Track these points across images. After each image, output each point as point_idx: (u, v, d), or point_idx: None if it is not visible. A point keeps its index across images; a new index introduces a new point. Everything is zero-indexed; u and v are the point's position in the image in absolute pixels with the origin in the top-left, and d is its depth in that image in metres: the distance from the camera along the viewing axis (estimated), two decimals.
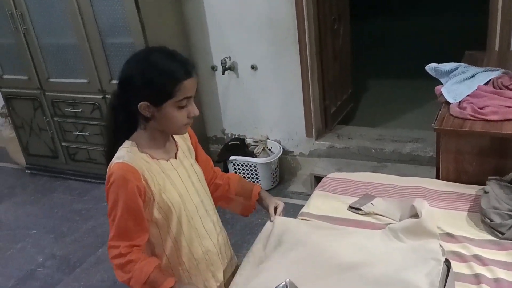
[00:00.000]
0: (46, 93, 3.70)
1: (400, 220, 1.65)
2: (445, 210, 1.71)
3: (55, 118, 3.77)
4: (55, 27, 3.42)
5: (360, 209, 1.74)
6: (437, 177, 1.96)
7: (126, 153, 1.37)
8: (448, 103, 2.01)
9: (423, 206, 1.59)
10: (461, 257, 1.49)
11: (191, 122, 1.41)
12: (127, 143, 1.40)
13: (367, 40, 5.92)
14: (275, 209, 1.68)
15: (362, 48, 5.11)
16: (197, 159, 1.59)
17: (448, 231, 1.60)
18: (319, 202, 1.82)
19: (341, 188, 1.91)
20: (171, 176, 1.42)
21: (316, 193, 1.90)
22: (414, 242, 1.48)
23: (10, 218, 3.54)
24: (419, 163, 3.26)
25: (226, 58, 3.44)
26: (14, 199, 3.80)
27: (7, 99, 3.91)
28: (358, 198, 1.81)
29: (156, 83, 1.31)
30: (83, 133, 3.69)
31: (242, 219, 2.98)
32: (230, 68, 3.47)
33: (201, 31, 3.45)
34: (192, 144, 1.59)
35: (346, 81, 3.91)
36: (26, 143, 4.04)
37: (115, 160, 1.36)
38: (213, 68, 3.52)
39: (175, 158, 1.47)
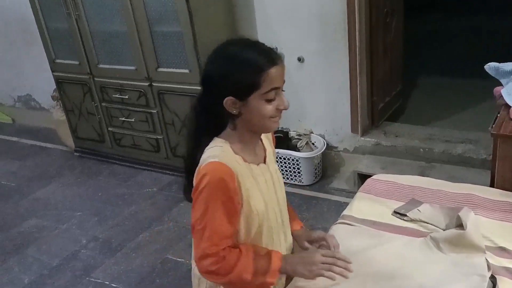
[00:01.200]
0: (95, 79, 3.77)
1: (446, 229, 1.57)
2: (499, 221, 1.61)
3: (103, 104, 3.84)
4: (105, 14, 3.46)
5: (406, 215, 1.66)
6: (492, 185, 1.84)
7: (221, 152, 1.26)
8: (508, 106, 1.89)
9: (469, 217, 1.49)
10: None
11: (281, 116, 1.30)
12: (218, 141, 1.30)
13: (420, 36, 5.69)
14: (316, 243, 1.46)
15: (415, 44, 4.91)
16: None
17: (501, 245, 1.50)
18: (362, 205, 1.75)
19: (387, 191, 1.83)
20: (259, 182, 1.34)
21: (359, 195, 1.83)
22: (457, 255, 1.40)
23: (57, 198, 3.66)
24: (470, 166, 3.11)
25: None
26: (62, 180, 3.92)
27: (59, 83, 4.01)
28: (404, 203, 1.73)
29: (238, 74, 1.22)
30: (129, 119, 3.75)
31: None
32: None
33: (249, 23, 3.41)
34: None
35: (396, 77, 3.77)
36: (75, 126, 4.14)
37: (208, 159, 1.25)
38: None
39: (264, 162, 1.38)
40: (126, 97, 3.67)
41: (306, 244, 1.47)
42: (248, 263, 1.26)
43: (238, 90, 1.23)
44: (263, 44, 1.29)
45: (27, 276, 2.82)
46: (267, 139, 1.45)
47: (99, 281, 2.73)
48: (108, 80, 3.71)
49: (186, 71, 3.26)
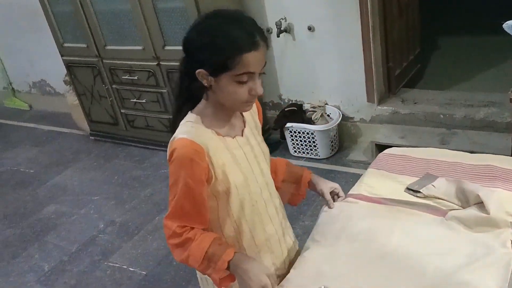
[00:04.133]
0: (104, 61, 3.72)
1: (462, 206, 1.46)
2: None
3: (113, 86, 3.80)
4: None
5: (419, 192, 1.56)
6: None
7: (191, 128, 1.24)
8: None
9: (491, 199, 1.38)
10: None
11: (254, 100, 1.26)
12: (191, 116, 1.28)
13: None
14: (332, 193, 1.55)
15: (433, 2, 4.66)
16: None
17: None
18: (373, 182, 1.65)
19: (399, 166, 1.72)
20: (236, 155, 1.29)
21: (370, 171, 1.72)
22: (478, 235, 1.31)
23: (75, 183, 3.67)
24: (494, 130, 2.96)
25: (281, 20, 3.26)
26: (79, 164, 3.93)
27: (69, 67, 3.98)
28: (418, 179, 1.63)
29: (212, 49, 1.16)
30: (140, 101, 3.70)
31: None
32: (286, 30, 3.29)
33: None
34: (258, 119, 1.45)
35: (413, 40, 3.60)
36: (89, 110, 4.13)
37: (178, 134, 1.24)
38: (268, 31, 3.35)
39: (242, 135, 1.33)
40: (136, 78, 3.61)
41: (327, 192, 1.54)
42: (201, 247, 1.24)
43: (210, 65, 1.18)
44: (252, 23, 1.20)
45: (47, 263, 2.85)
46: (248, 112, 1.38)
47: (117, 265, 2.74)
48: (117, 62, 3.66)
49: None
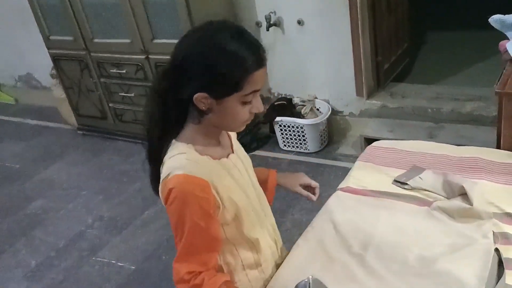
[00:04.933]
0: (92, 54, 3.68)
1: (448, 197, 1.48)
2: (506, 185, 1.51)
3: (101, 79, 3.77)
4: None
5: (406, 184, 1.57)
6: (498, 146, 1.74)
7: (187, 162, 1.11)
8: None
9: (474, 190, 1.40)
10: None
11: (252, 119, 1.16)
12: (180, 146, 1.13)
13: None
14: (304, 187, 1.47)
15: None
16: None
17: (508, 210, 1.41)
18: (361, 175, 1.66)
19: (387, 159, 1.74)
20: (234, 174, 1.21)
21: (358, 164, 1.74)
22: (461, 225, 1.32)
23: (62, 178, 3.64)
24: (480, 124, 2.98)
25: (271, 13, 3.25)
26: (67, 159, 3.90)
27: (55, 60, 3.93)
28: (405, 171, 1.64)
29: (222, 71, 1.05)
30: (129, 94, 3.67)
31: None
32: (275, 24, 3.28)
33: None
34: None
35: (401, 34, 3.61)
36: (76, 104, 4.08)
37: (173, 171, 1.10)
38: (258, 24, 3.34)
39: (232, 152, 1.25)
40: (124, 71, 3.58)
41: (300, 189, 1.45)
42: None
43: (216, 88, 1.07)
44: (252, 36, 1.12)
45: (34, 259, 2.82)
46: None
47: (106, 260, 2.73)
48: (105, 55, 3.62)
49: None
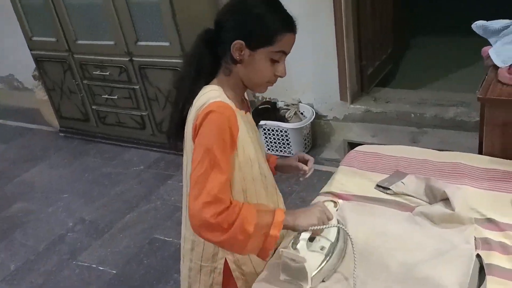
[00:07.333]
0: (75, 56, 3.64)
1: (430, 202, 1.48)
2: (487, 191, 1.51)
3: (84, 81, 3.72)
4: None
5: (389, 188, 1.57)
6: (480, 152, 1.75)
7: (221, 94, 1.23)
8: (496, 68, 1.77)
9: (456, 196, 1.40)
10: (504, 248, 1.29)
11: (274, 82, 1.28)
12: (213, 87, 1.25)
13: None
14: (301, 161, 1.49)
15: (406, 2, 4.72)
16: None
17: (489, 216, 1.40)
18: (343, 179, 1.65)
19: (370, 163, 1.73)
20: (248, 129, 1.30)
21: (341, 168, 1.73)
22: (443, 230, 1.32)
23: (44, 180, 3.58)
24: (463, 129, 3.01)
25: None
26: (48, 161, 3.84)
27: (38, 61, 3.88)
28: (388, 176, 1.64)
29: (263, 21, 1.19)
30: (112, 97, 3.63)
31: None
32: None
33: None
34: None
35: (386, 39, 3.63)
36: (58, 106, 4.03)
37: (210, 100, 1.19)
38: None
39: (249, 113, 1.37)
40: (107, 73, 3.54)
41: (298, 163, 1.48)
42: (251, 213, 1.15)
43: (254, 37, 1.19)
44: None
45: (13, 262, 2.77)
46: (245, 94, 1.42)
47: (86, 264, 2.68)
48: (88, 57, 3.58)
49: (166, 44, 3.12)
